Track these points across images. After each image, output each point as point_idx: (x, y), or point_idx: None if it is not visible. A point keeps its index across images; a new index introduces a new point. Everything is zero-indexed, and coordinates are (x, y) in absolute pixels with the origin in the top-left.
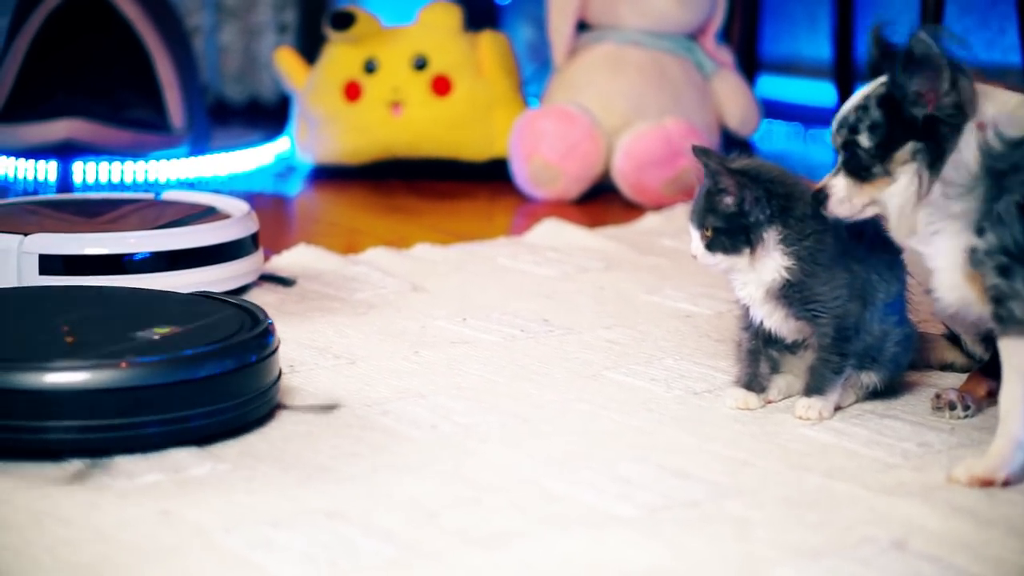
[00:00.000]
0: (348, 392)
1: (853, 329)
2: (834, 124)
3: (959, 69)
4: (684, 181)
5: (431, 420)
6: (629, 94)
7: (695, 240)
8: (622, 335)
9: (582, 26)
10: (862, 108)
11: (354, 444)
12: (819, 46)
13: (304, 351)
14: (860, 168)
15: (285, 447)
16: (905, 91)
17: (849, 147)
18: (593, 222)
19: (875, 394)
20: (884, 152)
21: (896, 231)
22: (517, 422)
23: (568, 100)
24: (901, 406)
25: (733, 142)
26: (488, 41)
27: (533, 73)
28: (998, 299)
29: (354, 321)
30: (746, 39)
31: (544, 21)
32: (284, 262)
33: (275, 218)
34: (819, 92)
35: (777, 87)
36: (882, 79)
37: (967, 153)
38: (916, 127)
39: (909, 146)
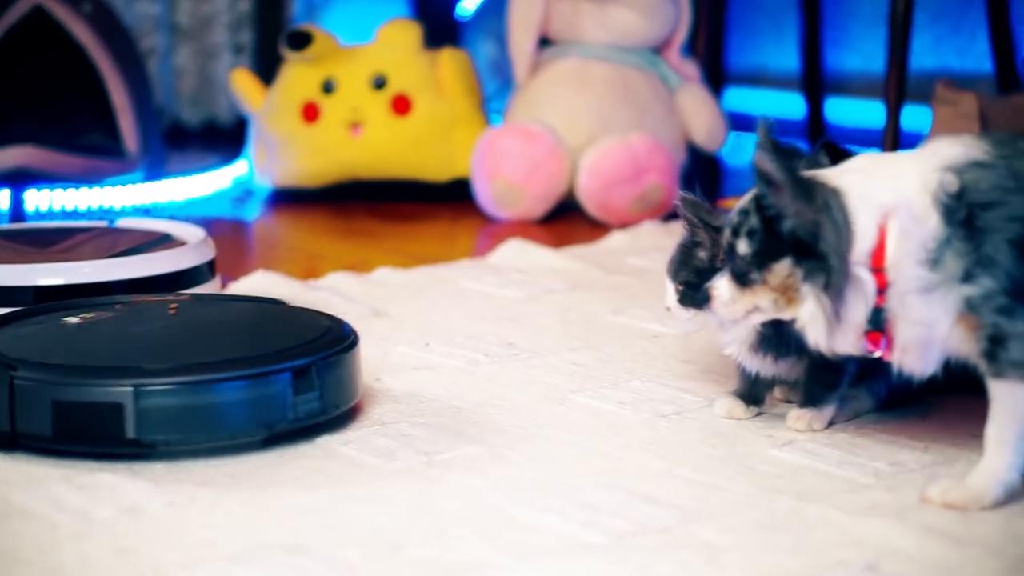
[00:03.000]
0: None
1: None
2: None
3: (798, 183)
4: (651, 198)
5: (393, 449)
6: (593, 110)
7: (669, 292)
8: (588, 357)
9: (545, 42)
10: (744, 212)
11: (314, 475)
12: (786, 57)
13: None
14: (740, 273)
15: (244, 479)
16: (770, 204)
17: (730, 251)
18: (558, 242)
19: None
20: (761, 261)
21: (824, 346)
22: (481, 449)
23: (531, 118)
24: (873, 425)
25: (701, 156)
26: (448, 59)
27: (495, 90)
28: (996, 339)
29: None
30: (712, 51)
31: (505, 37)
32: (242, 289)
33: (233, 244)
34: (787, 103)
35: (744, 99)
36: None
37: (915, 223)
38: (788, 242)
39: (787, 262)
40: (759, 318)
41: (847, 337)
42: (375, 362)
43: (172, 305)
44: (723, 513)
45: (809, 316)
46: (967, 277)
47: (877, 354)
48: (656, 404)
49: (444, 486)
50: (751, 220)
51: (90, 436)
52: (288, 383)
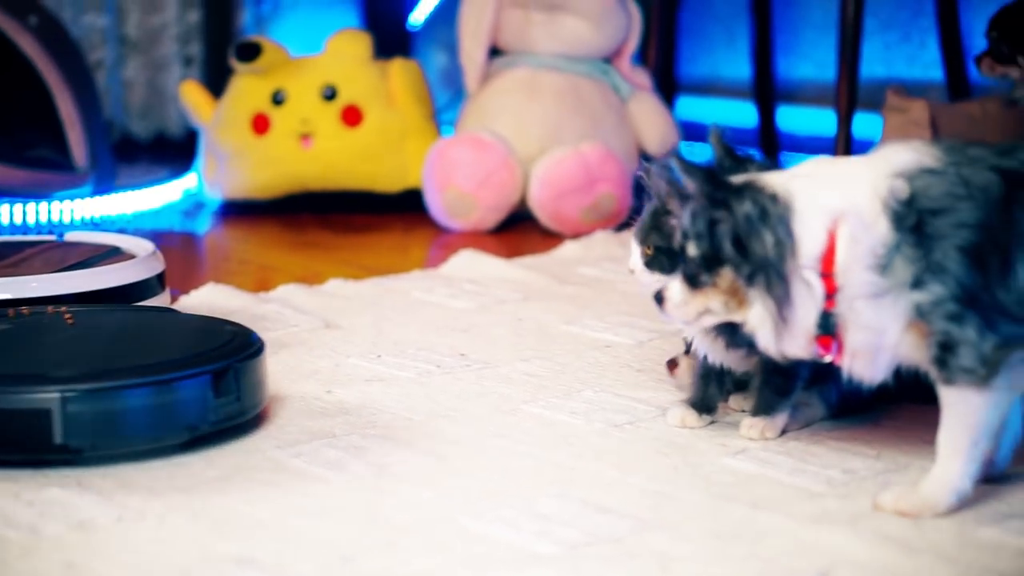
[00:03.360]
0: (259, 434)
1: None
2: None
3: (717, 191)
4: (603, 208)
5: (345, 461)
6: (545, 120)
7: (635, 255)
8: (541, 368)
9: (496, 52)
10: (694, 215)
11: (265, 488)
12: (738, 65)
13: None
14: (691, 276)
15: (194, 492)
16: (707, 210)
17: (682, 253)
18: (510, 252)
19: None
20: (709, 264)
21: (774, 349)
22: (433, 460)
23: (482, 128)
24: (826, 432)
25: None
26: (399, 69)
27: (447, 101)
28: (946, 346)
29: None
30: (663, 60)
31: (456, 47)
32: (192, 302)
33: (183, 257)
34: (739, 112)
35: (696, 108)
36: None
37: (865, 228)
38: (722, 250)
39: (727, 270)
40: (711, 320)
41: (796, 340)
42: (326, 374)
43: (67, 316)
44: (676, 522)
45: (757, 319)
46: (917, 283)
47: (828, 359)
48: (609, 414)
49: (395, 497)
50: (698, 224)
51: (17, 443)
52: (208, 386)
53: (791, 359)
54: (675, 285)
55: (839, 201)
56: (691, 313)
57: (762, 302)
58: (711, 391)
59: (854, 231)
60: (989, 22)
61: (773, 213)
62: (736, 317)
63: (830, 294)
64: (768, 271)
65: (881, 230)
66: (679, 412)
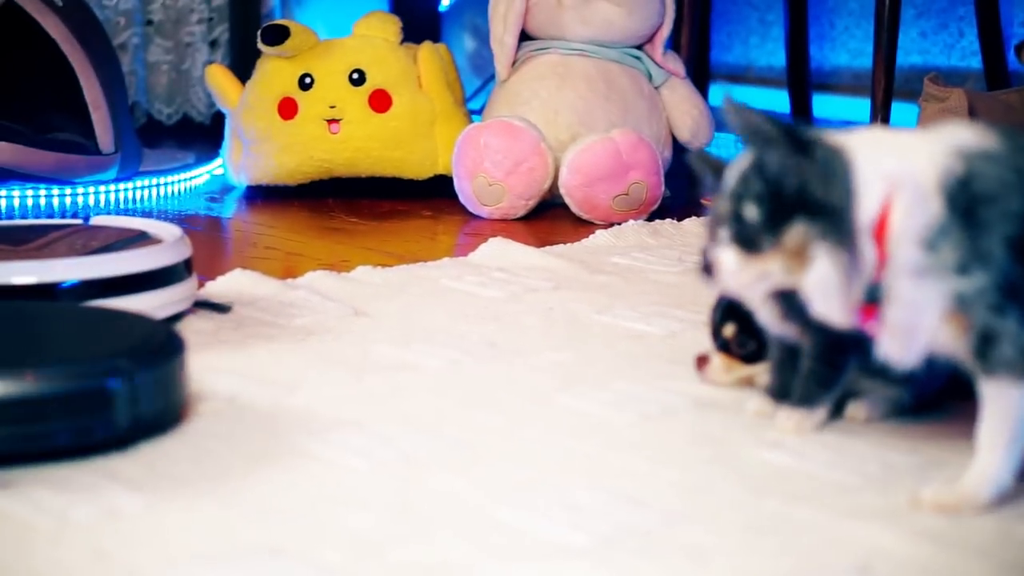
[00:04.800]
0: (287, 423)
1: (851, 339)
2: (722, 193)
3: (786, 133)
4: (635, 196)
5: (374, 449)
6: (576, 106)
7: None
8: (572, 357)
9: (526, 37)
10: (748, 177)
11: (293, 476)
12: (772, 53)
13: (241, 380)
14: (748, 240)
15: (222, 480)
16: (771, 164)
17: (736, 218)
18: (541, 240)
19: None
20: (772, 224)
21: (830, 314)
22: (463, 450)
23: (512, 114)
24: (862, 426)
25: (686, 153)
26: (428, 53)
27: (476, 86)
28: (987, 337)
29: (293, 348)
30: (697, 47)
31: (486, 31)
32: (219, 288)
33: (209, 242)
34: (773, 100)
35: (740, 99)
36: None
37: (919, 202)
38: (797, 200)
39: (800, 222)
40: (766, 286)
41: (847, 305)
42: (355, 362)
43: None
44: (709, 515)
45: (818, 277)
46: (961, 269)
47: (869, 330)
48: (641, 405)
49: (425, 487)
50: (754, 184)
51: None
52: (133, 380)
53: (845, 337)
54: (727, 251)
55: (899, 169)
56: (747, 279)
57: (829, 257)
58: (786, 377)
59: (910, 203)
60: None
61: (838, 165)
62: (795, 280)
63: (880, 263)
64: (843, 223)
65: (935, 207)
66: (756, 401)
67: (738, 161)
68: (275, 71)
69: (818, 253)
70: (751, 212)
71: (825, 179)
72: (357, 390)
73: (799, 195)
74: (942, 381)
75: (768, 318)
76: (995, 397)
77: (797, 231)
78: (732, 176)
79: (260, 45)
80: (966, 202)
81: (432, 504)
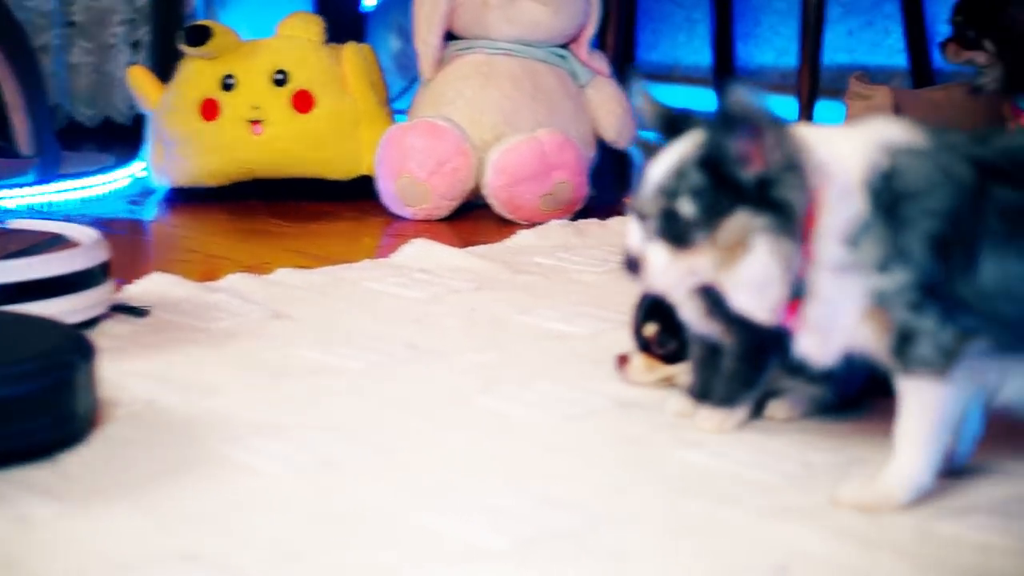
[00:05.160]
0: (204, 428)
1: (773, 337)
2: (646, 189)
3: (779, 123)
4: (559, 196)
5: (293, 454)
6: (500, 106)
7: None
8: (494, 358)
9: (452, 36)
10: (679, 171)
11: (209, 483)
12: (698, 52)
13: (158, 385)
14: (680, 236)
15: (136, 487)
16: (727, 152)
17: (667, 213)
18: (464, 241)
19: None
20: (709, 219)
21: (758, 310)
22: (383, 453)
23: (436, 114)
24: (783, 425)
25: (611, 153)
26: (352, 53)
27: (401, 87)
28: (906, 336)
29: (212, 352)
30: (622, 46)
31: (411, 32)
32: (138, 291)
33: (129, 245)
34: (699, 99)
35: (656, 95)
36: (694, 138)
37: (844, 197)
38: (745, 191)
39: (741, 214)
40: (692, 281)
41: (773, 301)
42: (275, 365)
43: None
44: (631, 517)
45: (752, 272)
46: (882, 267)
47: (790, 327)
48: (563, 406)
49: (344, 492)
50: (692, 178)
51: None
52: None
53: (767, 335)
54: (656, 248)
55: (824, 164)
56: (675, 276)
57: (768, 251)
58: (707, 377)
59: (835, 197)
60: (953, 7)
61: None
62: (723, 276)
63: (805, 259)
64: (791, 215)
65: (858, 202)
66: (676, 401)
67: (662, 157)
68: (197, 72)
69: (758, 245)
70: (686, 206)
71: (797, 167)
72: (276, 394)
73: (756, 184)
74: (863, 379)
75: (691, 315)
76: (914, 395)
77: (736, 222)
78: (660, 170)
79: (182, 46)
80: (889, 198)
81: (351, 509)
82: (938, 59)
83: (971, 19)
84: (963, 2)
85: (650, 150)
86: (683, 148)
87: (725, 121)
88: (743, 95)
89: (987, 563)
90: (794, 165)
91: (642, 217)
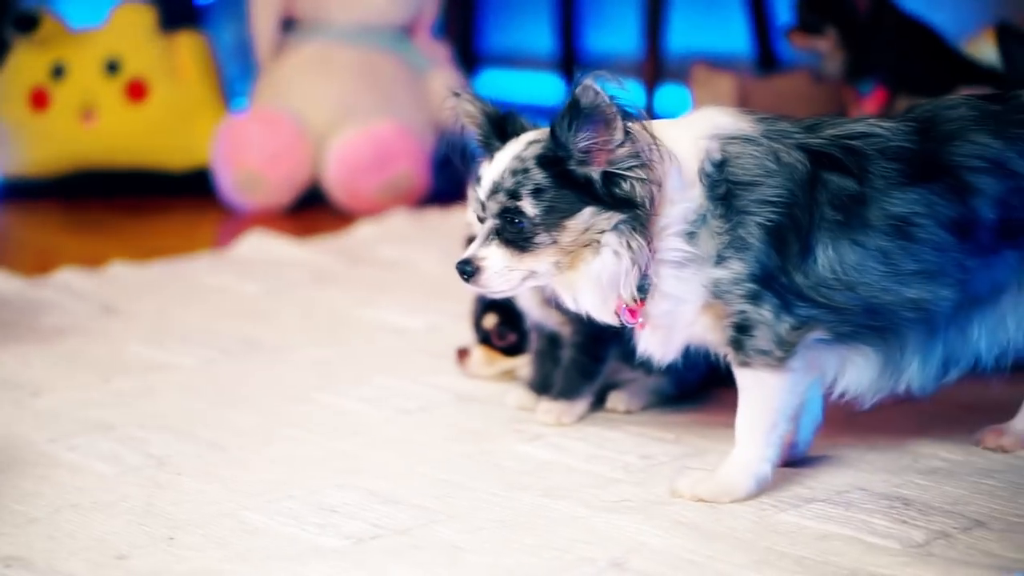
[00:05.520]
0: (31, 427)
1: (611, 331)
2: (482, 189)
3: (630, 115)
4: (400, 185)
5: (122, 453)
6: (338, 96)
7: None
8: (332, 354)
9: (290, 23)
10: (520, 171)
11: (36, 484)
12: (542, 37)
13: None
14: (521, 238)
15: None
16: (571, 149)
17: (508, 214)
18: (304, 232)
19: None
20: (553, 219)
21: (601, 311)
22: (216, 451)
23: (275, 103)
24: (624, 418)
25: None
26: (186, 42)
27: (239, 74)
28: (742, 327)
29: (40, 349)
30: (463, 33)
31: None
32: None
33: None
34: (544, 85)
35: (500, 81)
36: (533, 137)
37: (682, 190)
38: (589, 187)
39: (588, 213)
40: (532, 283)
41: (614, 302)
42: (105, 362)
43: None
44: (466, 512)
45: (598, 271)
46: (719, 259)
47: (633, 324)
48: (400, 400)
49: (174, 491)
50: (534, 177)
51: None
52: None
53: (606, 327)
54: (493, 252)
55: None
56: (515, 280)
57: (615, 251)
58: (547, 369)
59: (672, 192)
60: None
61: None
62: (564, 277)
63: (651, 255)
64: (639, 212)
65: (695, 195)
66: (518, 394)
67: (502, 155)
68: (26, 61)
69: (606, 245)
70: (529, 206)
71: (651, 162)
72: (106, 392)
73: (603, 182)
74: (703, 370)
75: (529, 305)
76: (752, 386)
77: (579, 223)
78: (497, 171)
79: (10, 33)
80: (724, 188)
81: (181, 508)
82: (782, 46)
83: (813, 5)
84: None
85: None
86: (520, 148)
87: (572, 114)
88: (593, 87)
89: (827, 551)
90: (642, 158)
91: (479, 219)
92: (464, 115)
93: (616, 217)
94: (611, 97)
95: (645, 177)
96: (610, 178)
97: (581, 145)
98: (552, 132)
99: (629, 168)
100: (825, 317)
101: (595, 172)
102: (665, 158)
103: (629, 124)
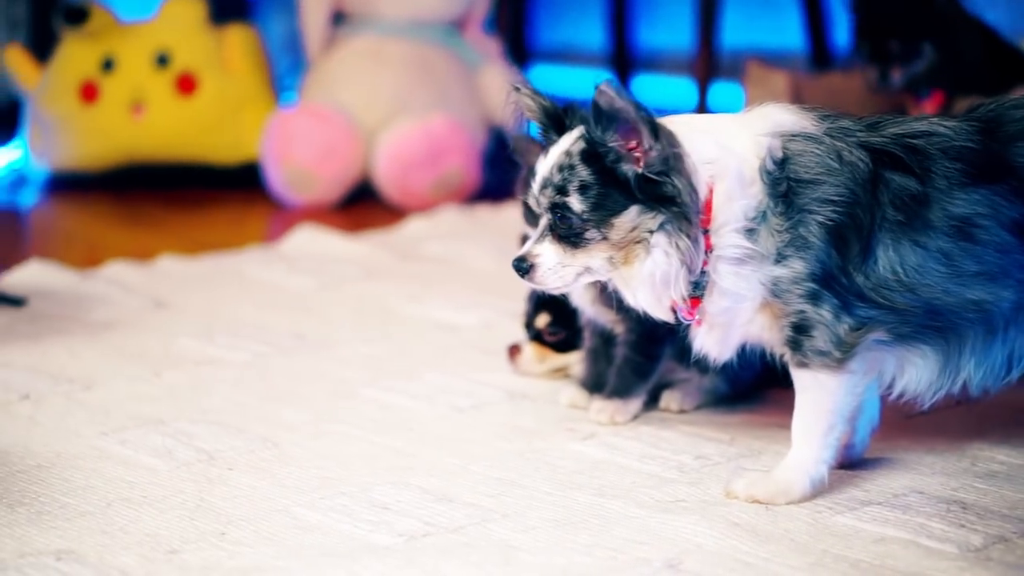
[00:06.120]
0: (82, 421)
1: (665, 329)
2: (534, 184)
3: (652, 119)
4: (451, 181)
5: (173, 448)
6: (390, 90)
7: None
8: (382, 349)
9: (341, 17)
10: (567, 167)
11: (88, 477)
12: (594, 33)
13: (35, 376)
14: (572, 234)
15: (11, 482)
16: (609, 147)
17: (557, 210)
18: (354, 227)
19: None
20: (601, 215)
21: (656, 308)
22: (266, 446)
23: (325, 98)
24: (677, 417)
25: (504, 137)
26: (236, 35)
27: (288, 68)
28: (801, 327)
29: (90, 342)
30: (515, 28)
31: (299, 11)
32: (14, 280)
33: (6, 232)
34: (596, 81)
35: (551, 77)
36: (579, 134)
37: (742, 187)
38: (633, 187)
39: (635, 211)
40: (588, 279)
41: (671, 299)
42: (155, 356)
43: None
44: (519, 511)
45: (651, 269)
46: (779, 257)
47: (690, 321)
48: (452, 397)
49: (225, 486)
50: (580, 173)
51: None
52: None
53: (660, 326)
54: (546, 248)
55: (718, 153)
56: (569, 276)
57: (665, 250)
58: (600, 367)
59: (731, 188)
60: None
61: (684, 150)
62: (619, 274)
63: (707, 251)
64: (684, 210)
65: (755, 192)
66: (569, 392)
67: (553, 150)
68: (76, 53)
69: (656, 244)
70: (576, 202)
71: (678, 163)
72: (157, 386)
73: (640, 182)
74: (757, 369)
75: (583, 302)
76: (809, 387)
77: (626, 221)
78: (548, 166)
79: (60, 26)
80: (785, 186)
81: (233, 504)
82: (837, 42)
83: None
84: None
85: (531, 146)
86: (569, 143)
87: (597, 116)
88: (609, 90)
89: (883, 555)
90: (675, 160)
91: (532, 215)
92: (524, 109)
93: (661, 217)
94: (630, 100)
95: (682, 177)
96: (648, 179)
97: (615, 145)
98: (587, 131)
99: (662, 171)
100: (885, 318)
101: (633, 172)
102: (708, 156)
103: (655, 126)
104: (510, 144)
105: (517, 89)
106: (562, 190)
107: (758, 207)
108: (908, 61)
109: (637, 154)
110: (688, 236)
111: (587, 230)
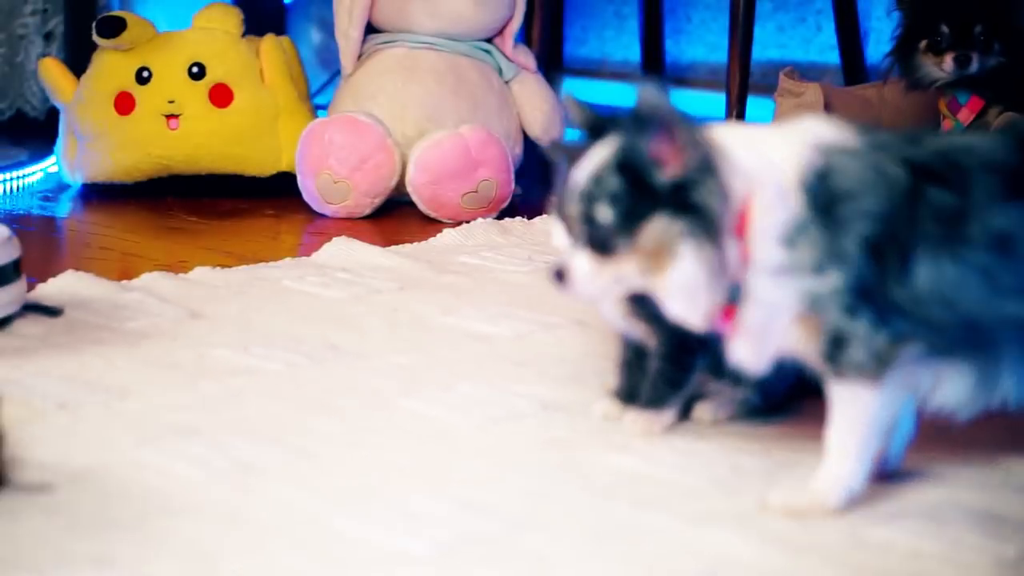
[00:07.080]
0: (118, 431)
1: (698, 341)
2: (567, 195)
3: (691, 123)
4: (484, 194)
5: (209, 458)
6: (423, 102)
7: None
8: (416, 360)
9: (373, 29)
10: (598, 176)
11: (125, 486)
12: (627, 47)
13: (71, 386)
14: (602, 244)
15: (48, 490)
16: (642, 155)
17: (588, 221)
18: (387, 239)
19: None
20: (629, 225)
21: (690, 316)
22: (302, 457)
23: (358, 109)
24: (712, 429)
25: (537, 150)
26: (271, 46)
27: (322, 81)
28: (838, 340)
29: (126, 352)
30: (548, 41)
31: (332, 24)
32: (51, 290)
33: (41, 243)
34: (628, 95)
35: (584, 90)
36: (614, 142)
37: (780, 197)
38: (663, 195)
39: (661, 219)
40: (622, 289)
41: (706, 307)
42: (190, 366)
43: None
44: (554, 522)
45: (680, 278)
46: (817, 269)
47: (724, 332)
48: (487, 409)
49: (261, 496)
50: (609, 182)
51: None
52: None
53: (692, 337)
54: (580, 259)
55: (757, 164)
56: (602, 284)
57: (694, 256)
58: (634, 379)
59: (770, 199)
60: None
61: (717, 155)
62: (652, 282)
63: (742, 262)
64: (712, 217)
65: (794, 204)
66: (603, 404)
67: (586, 159)
68: (111, 65)
69: (683, 251)
70: (604, 212)
71: (711, 167)
72: (192, 396)
73: (670, 188)
74: (791, 381)
75: (613, 316)
76: (845, 400)
77: (656, 228)
78: (581, 175)
79: (96, 38)
80: (825, 199)
81: (268, 514)
82: (870, 56)
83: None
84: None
85: (567, 152)
86: (603, 152)
87: (637, 122)
88: (653, 94)
89: (918, 569)
90: (710, 167)
91: (567, 224)
92: (568, 118)
93: (691, 225)
94: (671, 105)
95: (714, 185)
96: (682, 187)
97: (649, 153)
98: (622, 139)
99: (697, 176)
100: (922, 333)
101: (665, 180)
102: (744, 166)
103: (692, 131)
104: (546, 154)
105: (566, 99)
106: (592, 199)
107: (796, 219)
108: (988, 52)
109: (672, 160)
110: (718, 245)
111: (616, 239)
